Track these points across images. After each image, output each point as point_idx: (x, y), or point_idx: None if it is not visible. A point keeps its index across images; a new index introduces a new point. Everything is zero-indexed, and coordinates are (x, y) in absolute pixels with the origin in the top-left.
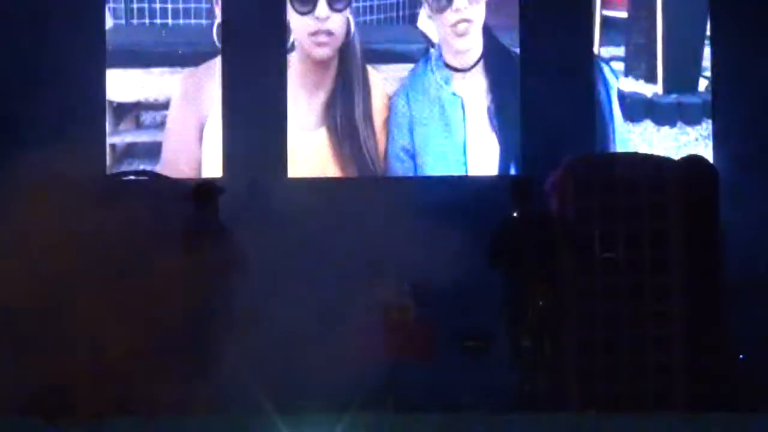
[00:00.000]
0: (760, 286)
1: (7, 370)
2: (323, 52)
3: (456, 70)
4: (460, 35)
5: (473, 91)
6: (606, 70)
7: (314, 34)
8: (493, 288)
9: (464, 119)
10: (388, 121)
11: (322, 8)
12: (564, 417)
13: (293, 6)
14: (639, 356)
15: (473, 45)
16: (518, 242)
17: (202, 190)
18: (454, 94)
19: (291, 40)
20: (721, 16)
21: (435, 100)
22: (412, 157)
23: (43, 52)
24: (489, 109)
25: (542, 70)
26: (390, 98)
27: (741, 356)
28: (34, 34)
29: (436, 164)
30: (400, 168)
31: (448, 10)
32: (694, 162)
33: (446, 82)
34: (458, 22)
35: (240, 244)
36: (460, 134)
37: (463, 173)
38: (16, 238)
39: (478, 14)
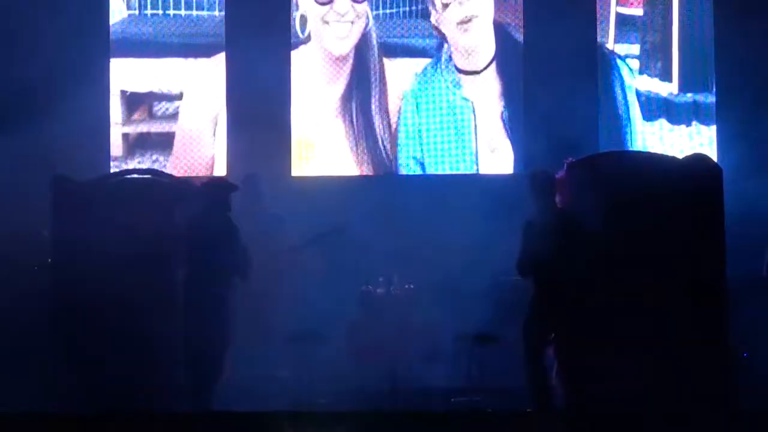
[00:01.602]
0: (763, 284)
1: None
2: (342, 46)
3: (467, 73)
4: (466, 31)
5: (485, 95)
6: (623, 67)
7: (333, 24)
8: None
9: (476, 125)
10: (397, 126)
11: (342, 0)
12: (571, 415)
13: None
14: (640, 353)
15: (481, 43)
16: (548, 241)
17: (212, 187)
18: (464, 98)
19: (307, 31)
20: (726, 15)
21: (445, 105)
22: (422, 165)
23: (46, 43)
24: (502, 114)
25: (547, 67)
26: (399, 102)
27: (744, 353)
28: (36, 25)
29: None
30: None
31: (452, 5)
32: (697, 160)
33: (456, 86)
34: (463, 18)
35: (245, 246)
36: (472, 141)
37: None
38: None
39: (484, 9)
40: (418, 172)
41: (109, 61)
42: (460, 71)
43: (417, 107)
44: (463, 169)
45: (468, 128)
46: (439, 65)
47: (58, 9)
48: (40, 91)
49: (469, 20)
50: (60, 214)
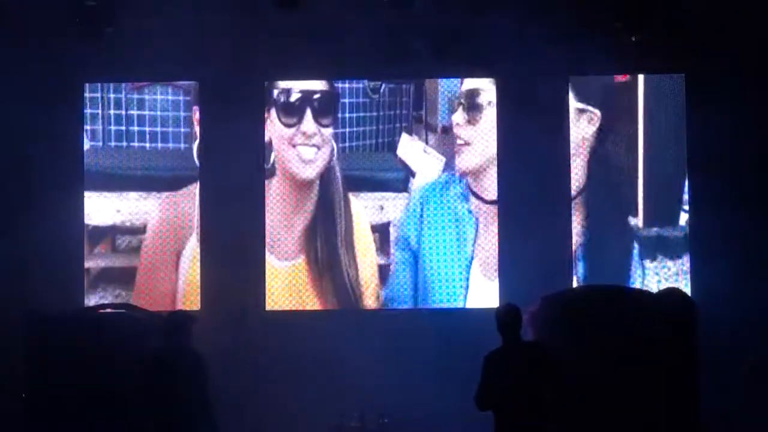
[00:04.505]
0: (737, 416)
1: None
2: (309, 171)
3: (477, 197)
4: (457, 153)
5: (489, 224)
6: None
7: (299, 147)
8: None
9: (475, 239)
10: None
11: (308, 122)
12: None
13: (278, 116)
14: None
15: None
16: (508, 375)
17: (174, 320)
18: (469, 211)
19: (271, 160)
20: (698, 148)
21: (450, 208)
22: (415, 250)
23: (21, 177)
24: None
25: (521, 210)
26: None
27: None
28: (10, 158)
29: (437, 262)
30: (399, 256)
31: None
32: (671, 294)
33: (464, 200)
34: (457, 139)
35: (209, 377)
36: (468, 248)
37: (461, 304)
38: None
39: (477, 138)
40: (408, 254)
41: (83, 194)
42: (472, 192)
43: (422, 201)
44: (456, 267)
45: (467, 239)
46: (453, 177)
47: (28, 138)
48: (15, 224)
49: (460, 144)
50: (33, 349)
